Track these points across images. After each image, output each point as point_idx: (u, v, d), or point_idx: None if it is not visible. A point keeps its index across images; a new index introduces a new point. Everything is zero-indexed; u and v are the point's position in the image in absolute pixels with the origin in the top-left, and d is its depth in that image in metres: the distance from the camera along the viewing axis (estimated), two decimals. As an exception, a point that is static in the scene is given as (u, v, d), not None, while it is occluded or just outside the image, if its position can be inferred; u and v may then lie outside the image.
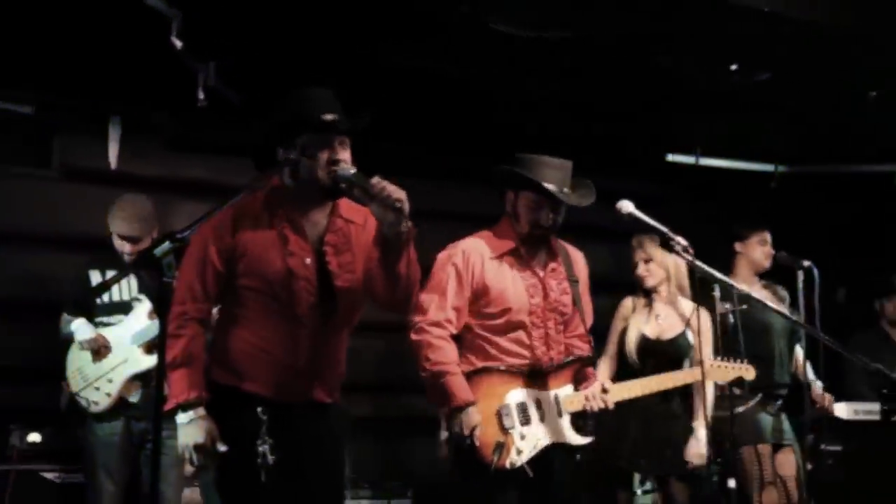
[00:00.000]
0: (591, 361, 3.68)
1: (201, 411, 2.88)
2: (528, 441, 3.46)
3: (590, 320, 3.72)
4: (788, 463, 4.72)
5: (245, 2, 4.20)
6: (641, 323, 4.47)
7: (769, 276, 4.89)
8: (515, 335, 3.53)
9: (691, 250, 3.49)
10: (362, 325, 3.17)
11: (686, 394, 4.39)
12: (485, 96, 5.15)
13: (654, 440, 4.34)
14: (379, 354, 5.60)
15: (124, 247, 4.34)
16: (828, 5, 4.34)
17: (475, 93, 5.09)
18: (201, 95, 4.54)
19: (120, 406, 4.25)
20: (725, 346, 4.06)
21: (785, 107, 5.33)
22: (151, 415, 3.33)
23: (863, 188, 6.26)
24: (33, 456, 4.52)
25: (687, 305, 4.45)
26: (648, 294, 4.52)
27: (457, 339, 3.56)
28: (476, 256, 3.55)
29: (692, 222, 4.21)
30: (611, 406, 3.57)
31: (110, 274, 4.37)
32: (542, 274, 3.60)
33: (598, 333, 4.33)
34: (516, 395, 3.50)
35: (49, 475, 4.49)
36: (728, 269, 4.73)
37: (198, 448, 2.86)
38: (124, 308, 4.34)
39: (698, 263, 3.50)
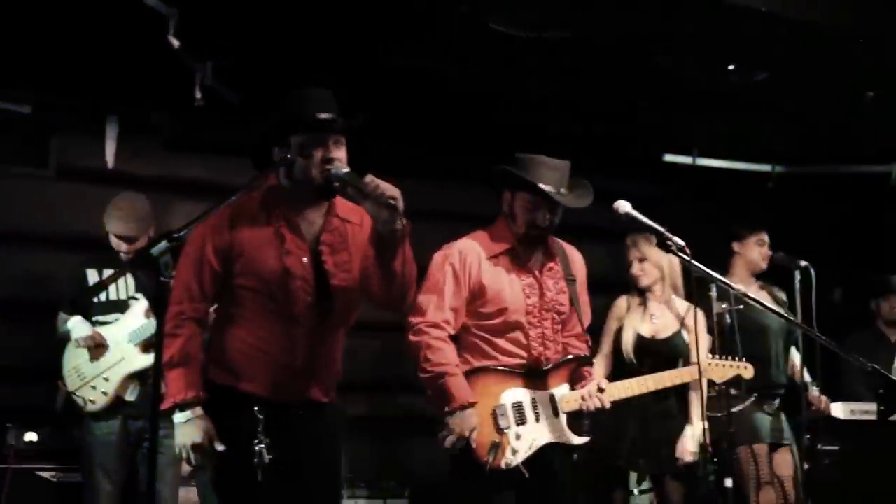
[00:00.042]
0: (588, 361, 3.67)
1: (199, 411, 2.88)
2: (524, 441, 3.45)
3: (587, 320, 3.71)
4: (786, 463, 4.72)
5: (243, 1, 4.20)
6: (637, 322, 4.47)
7: (766, 276, 4.89)
8: (512, 335, 3.52)
9: (688, 250, 3.49)
10: (359, 324, 3.17)
11: (683, 393, 4.39)
12: (484, 96, 5.15)
13: (652, 440, 4.34)
14: (375, 354, 5.60)
15: (121, 246, 4.34)
16: (825, 6, 4.35)
17: (475, 93, 5.09)
18: (199, 95, 4.53)
19: (117, 405, 4.25)
20: (722, 346, 4.07)
21: (782, 107, 5.34)
22: (149, 414, 3.33)
23: (860, 188, 6.27)
24: (30, 455, 4.51)
25: (681, 305, 4.46)
26: (643, 293, 4.52)
27: (454, 339, 3.55)
28: (473, 257, 3.54)
29: (689, 222, 4.21)
30: (607, 405, 3.55)
31: (107, 273, 4.37)
32: (538, 273, 3.59)
33: (597, 333, 4.34)
34: (512, 394, 3.49)
35: (46, 475, 4.49)
36: (725, 269, 4.73)
37: (195, 447, 2.86)
38: (121, 307, 4.34)
39: (695, 264, 3.50)
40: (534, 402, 3.51)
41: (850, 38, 4.47)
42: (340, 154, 2.94)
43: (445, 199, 5.61)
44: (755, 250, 4.83)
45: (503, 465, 3.41)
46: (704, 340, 4.16)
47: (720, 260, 4.64)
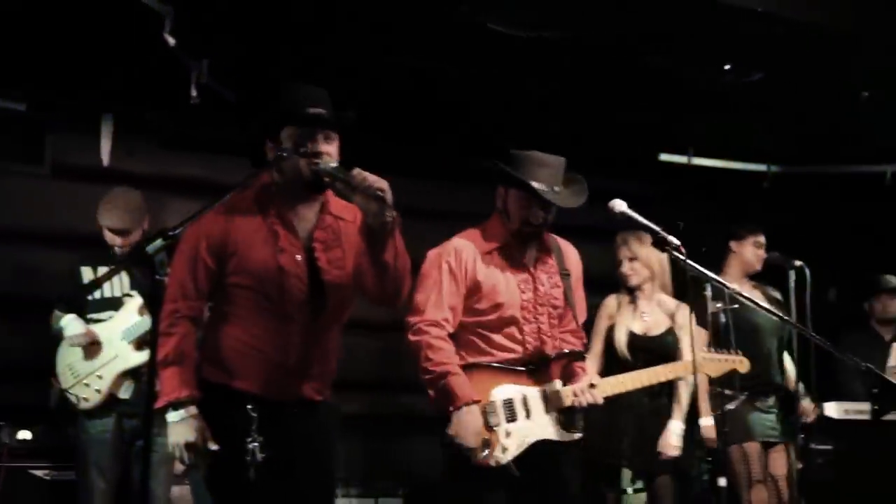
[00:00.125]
0: (581, 357, 3.64)
1: (193, 409, 2.87)
2: (514, 438, 3.42)
3: (583, 315, 3.69)
4: (780, 462, 4.73)
5: (239, -1, 4.20)
6: (629, 320, 4.48)
7: (761, 276, 4.90)
8: (508, 330, 3.51)
9: (683, 250, 3.48)
10: (354, 322, 3.16)
11: (673, 391, 4.41)
12: (483, 95, 5.15)
13: (646, 438, 4.35)
14: (371, 352, 5.60)
15: (115, 240, 4.33)
16: (821, 6, 4.35)
17: (473, 92, 5.09)
18: (194, 93, 4.53)
19: (111, 403, 4.24)
20: (717, 345, 4.07)
21: (778, 107, 5.35)
22: (142, 412, 3.33)
23: (855, 188, 6.28)
24: (24, 453, 4.50)
25: (670, 303, 4.47)
26: (632, 292, 4.53)
27: (451, 336, 3.54)
28: (468, 253, 3.53)
29: (685, 222, 4.21)
30: (600, 401, 3.52)
31: (102, 271, 4.37)
32: (532, 269, 3.58)
33: (589, 332, 4.34)
34: (503, 391, 3.46)
35: (39, 473, 4.48)
36: (719, 268, 4.74)
37: (188, 446, 2.85)
38: (115, 304, 4.34)
39: (690, 263, 3.50)
40: (525, 398, 3.48)
41: (846, 38, 4.48)
42: (331, 149, 2.93)
43: (444, 198, 5.60)
44: (751, 251, 4.84)
45: (493, 463, 3.38)
46: (699, 335, 4.16)
47: (715, 260, 4.64)
